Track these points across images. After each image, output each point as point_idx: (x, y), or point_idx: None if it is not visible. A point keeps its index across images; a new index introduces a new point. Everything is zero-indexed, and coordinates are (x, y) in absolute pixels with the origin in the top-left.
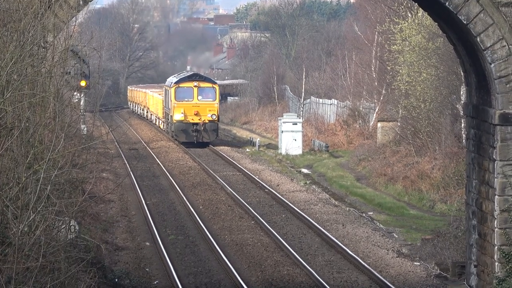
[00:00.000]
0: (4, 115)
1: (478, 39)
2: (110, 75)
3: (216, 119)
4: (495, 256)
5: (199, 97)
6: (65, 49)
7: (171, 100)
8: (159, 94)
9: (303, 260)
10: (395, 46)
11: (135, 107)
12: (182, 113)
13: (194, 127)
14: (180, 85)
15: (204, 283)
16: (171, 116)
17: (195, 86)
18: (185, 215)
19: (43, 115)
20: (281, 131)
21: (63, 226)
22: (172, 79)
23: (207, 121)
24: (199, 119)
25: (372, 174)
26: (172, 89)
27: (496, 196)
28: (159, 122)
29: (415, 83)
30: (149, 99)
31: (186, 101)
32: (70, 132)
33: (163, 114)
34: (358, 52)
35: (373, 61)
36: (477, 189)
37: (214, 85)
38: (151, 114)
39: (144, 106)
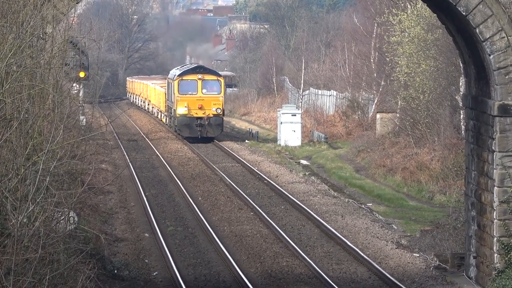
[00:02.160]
0: (3, 106)
1: (477, 30)
2: (109, 66)
3: (221, 113)
4: (494, 248)
5: (204, 90)
6: (64, 41)
7: (174, 93)
8: (161, 87)
9: (302, 252)
10: (394, 37)
11: (135, 99)
12: (185, 106)
13: (198, 122)
14: (184, 78)
15: (203, 274)
16: (174, 110)
17: (199, 78)
18: (184, 206)
19: (42, 106)
20: (280, 122)
21: (62, 218)
22: (175, 71)
23: (211, 115)
24: (203, 113)
25: (371, 165)
26: (175, 82)
27: (495, 187)
28: (161, 115)
29: (414, 74)
30: (151, 92)
31: (190, 94)
32: (69, 123)
33: (165, 107)
34: (357, 43)
35: (372, 52)
36: (476, 180)
37: (219, 78)
38: (152, 107)
39: (145, 99)
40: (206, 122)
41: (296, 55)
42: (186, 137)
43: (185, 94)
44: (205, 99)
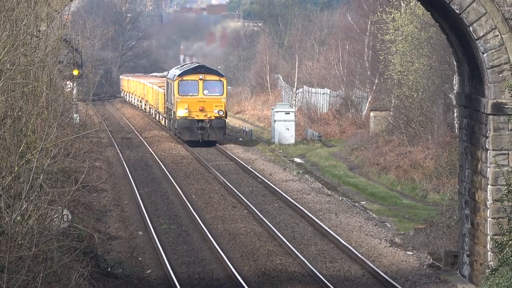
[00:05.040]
0: None
1: (471, 28)
2: (102, 64)
3: (223, 115)
4: (488, 246)
5: (205, 91)
6: (58, 39)
7: (174, 94)
8: (160, 87)
9: (296, 250)
10: (387, 35)
11: (130, 98)
12: (186, 108)
13: (199, 125)
14: (184, 78)
15: (197, 272)
16: (174, 112)
17: (200, 79)
18: (177, 204)
19: (36, 104)
20: (273, 120)
21: (56, 216)
22: (175, 71)
23: (213, 118)
24: (204, 116)
25: (364, 164)
26: (175, 82)
27: (489, 186)
28: (159, 117)
29: (408, 72)
30: (148, 92)
31: (191, 95)
32: (63, 121)
33: (164, 109)
34: (351, 41)
35: (366, 50)
36: (470, 179)
37: (221, 78)
38: (150, 108)
39: (142, 98)
40: (208, 125)
41: (290, 53)
42: (187, 140)
43: (186, 95)
44: (206, 100)
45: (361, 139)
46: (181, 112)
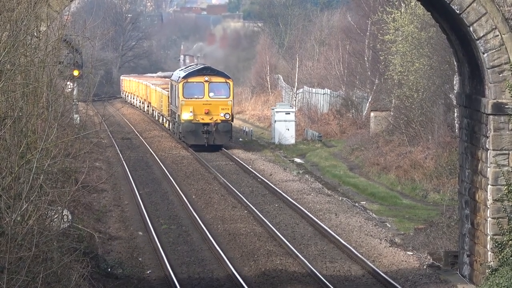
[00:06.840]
0: None
1: (471, 28)
2: (103, 64)
3: (230, 118)
4: (488, 246)
5: (211, 94)
6: (58, 39)
7: (178, 97)
8: (163, 88)
9: (296, 250)
10: (387, 36)
11: (132, 99)
12: (191, 111)
13: (205, 128)
14: (189, 80)
15: (197, 273)
16: (178, 115)
17: (206, 81)
18: (178, 204)
19: (36, 105)
20: (274, 120)
21: (56, 216)
22: (180, 73)
23: (219, 121)
24: (210, 119)
25: (365, 164)
26: (180, 85)
27: (489, 186)
28: (163, 119)
29: (408, 72)
30: (151, 93)
31: (196, 98)
32: (63, 121)
33: (168, 111)
34: (351, 41)
35: (366, 50)
36: (470, 179)
37: (227, 80)
38: (153, 110)
39: (145, 100)
40: (214, 129)
41: (290, 54)
42: (192, 145)
43: (191, 98)
44: (212, 103)
45: (361, 139)
46: (186, 115)
